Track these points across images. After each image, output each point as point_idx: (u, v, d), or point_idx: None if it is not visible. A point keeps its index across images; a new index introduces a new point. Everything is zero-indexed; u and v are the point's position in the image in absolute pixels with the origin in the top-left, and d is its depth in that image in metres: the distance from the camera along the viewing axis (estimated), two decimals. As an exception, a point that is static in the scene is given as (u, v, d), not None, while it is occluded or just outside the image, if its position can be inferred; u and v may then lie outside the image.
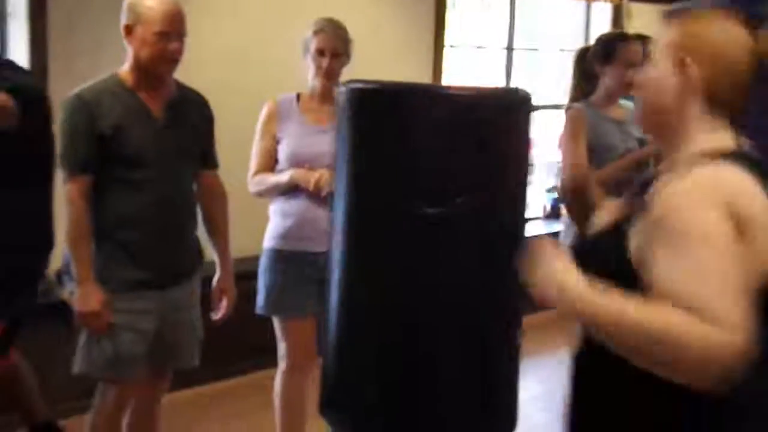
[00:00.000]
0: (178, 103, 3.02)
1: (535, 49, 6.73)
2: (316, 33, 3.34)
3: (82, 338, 2.95)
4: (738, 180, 1.58)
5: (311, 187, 3.20)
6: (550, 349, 5.35)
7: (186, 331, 3.12)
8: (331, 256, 2.12)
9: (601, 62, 3.60)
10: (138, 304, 2.94)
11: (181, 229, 3.06)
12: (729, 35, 1.66)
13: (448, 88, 2.18)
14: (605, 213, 1.82)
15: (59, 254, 4.20)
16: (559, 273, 1.61)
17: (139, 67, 2.90)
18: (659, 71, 1.69)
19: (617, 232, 1.66)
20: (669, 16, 1.72)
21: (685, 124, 1.68)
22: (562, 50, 6.81)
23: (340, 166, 2.09)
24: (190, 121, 3.06)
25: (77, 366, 2.96)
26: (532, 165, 2.19)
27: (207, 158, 3.19)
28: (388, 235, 2.01)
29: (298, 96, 3.43)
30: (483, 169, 1.99)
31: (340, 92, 2.07)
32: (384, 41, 5.42)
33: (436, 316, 1.99)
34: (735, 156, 1.63)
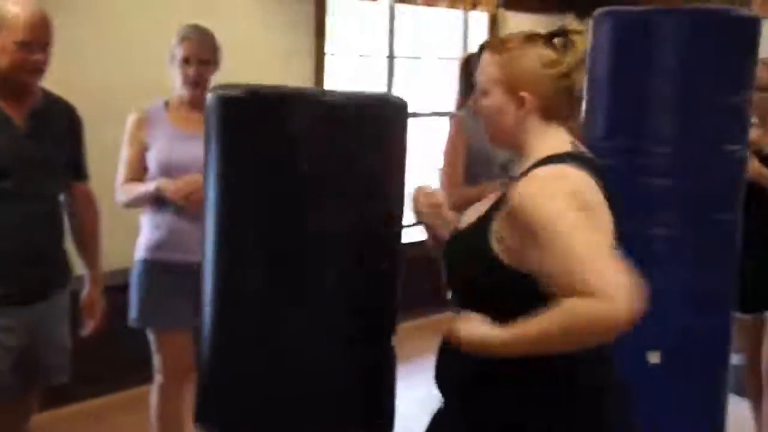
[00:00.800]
0: (43, 111, 2.91)
1: (417, 58, 6.79)
2: (181, 41, 3.28)
3: None
4: (577, 174, 1.83)
5: (177, 198, 3.13)
6: (433, 353, 5.38)
7: (55, 346, 3.01)
8: (203, 265, 2.08)
9: None
10: (0, 320, 2.81)
11: (46, 242, 2.94)
12: (542, 59, 1.91)
13: (318, 92, 2.19)
14: (471, 212, 2.03)
15: None
16: (477, 332, 1.80)
17: None
18: (496, 101, 1.95)
19: (480, 225, 1.91)
20: (490, 49, 1.99)
21: (528, 136, 1.94)
22: (441, 59, 6.89)
23: (209, 173, 2.07)
24: (56, 131, 2.95)
25: None
26: (407, 171, 2.20)
27: (76, 169, 3.08)
28: (259, 244, 1.98)
29: (167, 103, 3.36)
30: (357, 175, 1.98)
31: (208, 99, 2.05)
32: (264, 48, 5.37)
33: (307, 323, 1.99)
34: (571, 156, 1.90)
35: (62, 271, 3.04)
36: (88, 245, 3.17)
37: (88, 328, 3.17)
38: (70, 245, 3.14)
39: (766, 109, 3.72)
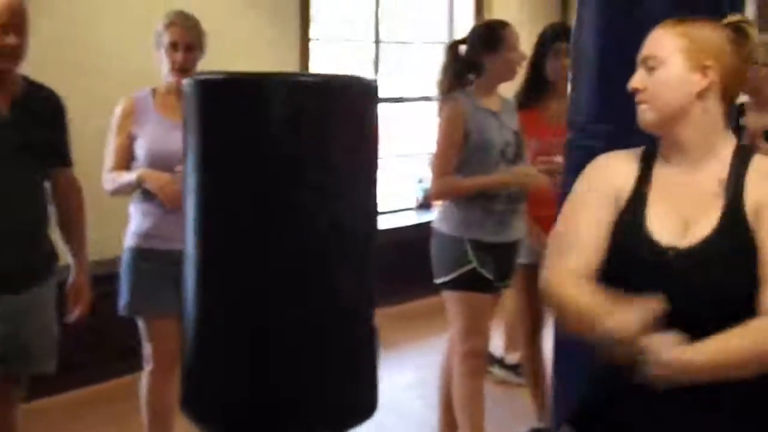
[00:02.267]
0: (26, 98, 2.88)
1: (402, 42, 6.78)
2: (167, 26, 3.26)
3: None
4: None
5: (161, 195, 3.15)
6: (424, 337, 5.41)
7: (40, 335, 2.99)
8: (184, 252, 2.08)
9: (486, 50, 3.56)
10: None
11: (30, 230, 2.93)
12: (728, 36, 1.86)
13: (291, 75, 2.19)
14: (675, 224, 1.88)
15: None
16: (678, 358, 1.67)
17: None
18: (675, 71, 1.85)
19: (735, 233, 1.80)
20: (666, 25, 1.88)
21: (708, 122, 1.87)
22: (426, 42, 6.88)
23: (189, 159, 2.07)
24: (40, 118, 2.93)
25: None
26: (379, 153, 2.21)
27: (60, 156, 3.06)
28: (238, 226, 1.99)
29: (154, 91, 3.34)
30: (329, 157, 1.99)
31: (187, 86, 2.06)
32: (247, 34, 5.36)
33: (287, 303, 1.99)
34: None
35: (47, 258, 3.02)
36: (73, 232, 3.15)
37: (74, 314, 3.16)
38: (57, 236, 3.12)
39: (758, 81, 3.69)
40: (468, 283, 3.48)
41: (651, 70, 1.88)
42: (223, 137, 2.00)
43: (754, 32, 1.88)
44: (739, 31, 1.88)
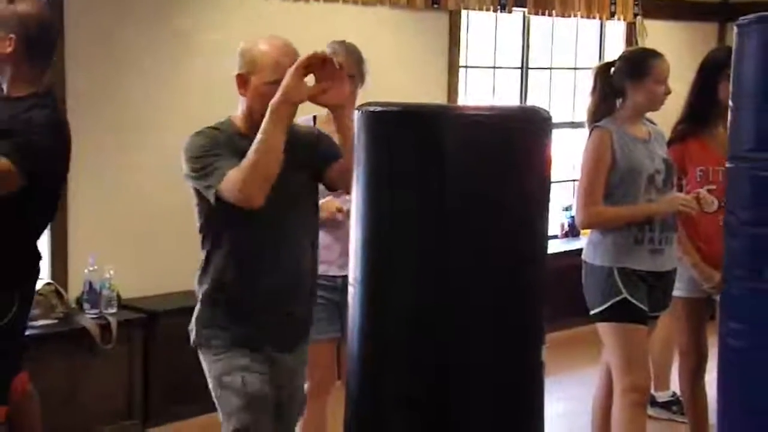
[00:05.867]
0: None
1: (549, 68, 6.74)
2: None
3: None
4: None
5: (339, 216, 3.20)
6: (573, 367, 5.32)
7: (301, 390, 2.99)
8: (351, 279, 2.10)
9: (630, 78, 3.50)
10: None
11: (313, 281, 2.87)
12: None
13: (467, 108, 2.18)
14: None
15: (79, 281, 4.27)
16: None
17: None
18: None
19: None
20: None
21: None
22: (575, 69, 6.82)
23: (359, 189, 2.07)
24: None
25: None
26: (550, 183, 2.19)
27: None
28: (407, 259, 1.99)
29: (315, 118, 3.44)
30: (506, 189, 1.97)
31: (357, 116, 2.06)
32: (399, 63, 5.43)
33: (463, 334, 1.97)
34: None
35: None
36: None
37: None
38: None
39: None
40: (621, 313, 3.41)
41: None
42: (395, 169, 2.00)
43: None
44: None
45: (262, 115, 2.51)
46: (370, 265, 2.04)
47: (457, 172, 1.94)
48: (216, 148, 2.58)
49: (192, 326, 2.76)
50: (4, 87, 2.90)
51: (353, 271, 2.09)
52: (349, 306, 2.14)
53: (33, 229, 2.99)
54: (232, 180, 2.49)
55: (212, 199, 2.54)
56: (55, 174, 2.93)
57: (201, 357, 2.76)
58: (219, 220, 2.64)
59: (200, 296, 2.74)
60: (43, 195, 2.90)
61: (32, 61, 2.85)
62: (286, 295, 2.69)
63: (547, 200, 2.13)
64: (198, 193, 2.63)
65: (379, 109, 2.04)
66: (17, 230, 2.88)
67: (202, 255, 2.72)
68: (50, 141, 2.81)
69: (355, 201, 2.10)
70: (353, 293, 2.09)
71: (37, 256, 3.03)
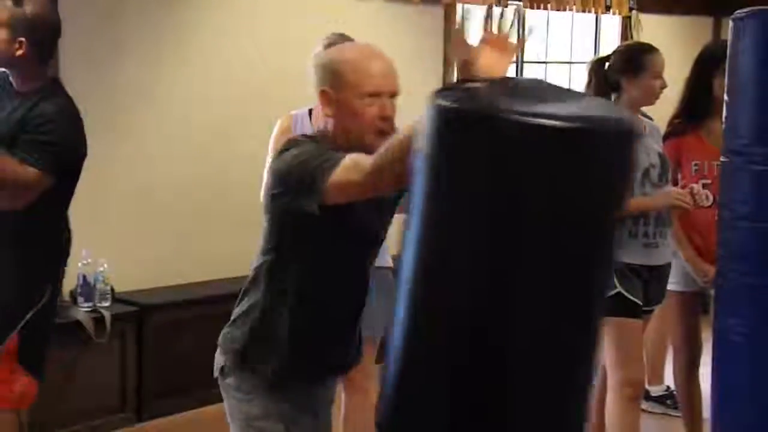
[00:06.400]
0: None
1: (545, 62, 6.74)
2: (327, 48, 3.33)
3: None
4: None
5: None
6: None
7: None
8: (398, 278, 1.95)
9: (626, 73, 3.49)
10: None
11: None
12: None
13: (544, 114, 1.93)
14: None
15: (73, 274, 4.26)
16: None
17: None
18: None
19: None
20: None
21: None
22: (570, 63, 6.82)
23: (420, 185, 1.86)
24: None
25: None
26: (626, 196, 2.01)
27: None
28: (464, 263, 1.82)
29: (310, 111, 3.43)
30: (586, 200, 1.79)
31: (428, 107, 1.83)
32: (394, 57, 5.39)
33: (520, 338, 1.83)
34: None
35: None
36: None
37: None
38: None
39: None
40: (615, 308, 3.40)
41: None
42: (467, 169, 1.78)
43: None
44: None
45: (358, 135, 2.20)
46: (422, 264, 1.89)
47: (532, 180, 1.75)
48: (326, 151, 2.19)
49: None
50: (14, 82, 3.01)
51: (403, 271, 1.92)
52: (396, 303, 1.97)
53: (61, 212, 3.08)
54: (360, 161, 2.08)
55: (318, 199, 2.11)
56: (76, 160, 3.02)
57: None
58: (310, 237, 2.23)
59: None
60: (68, 180, 3.01)
61: (40, 60, 2.98)
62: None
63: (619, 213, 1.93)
64: (289, 205, 2.19)
65: (445, 104, 1.81)
66: (47, 217, 3.00)
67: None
68: (66, 129, 2.95)
69: (413, 195, 1.90)
70: (399, 293, 1.94)
71: (67, 239, 3.12)
